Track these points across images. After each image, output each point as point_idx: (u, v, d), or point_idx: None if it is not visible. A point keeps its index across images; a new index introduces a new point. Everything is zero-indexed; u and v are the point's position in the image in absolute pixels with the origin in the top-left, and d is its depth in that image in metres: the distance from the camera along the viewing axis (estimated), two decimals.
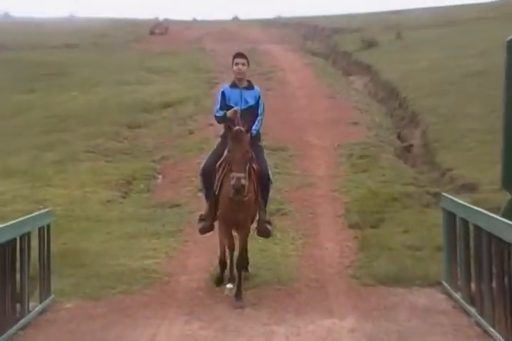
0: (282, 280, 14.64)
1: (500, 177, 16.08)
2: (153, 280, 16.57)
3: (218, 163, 13.14)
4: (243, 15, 64.38)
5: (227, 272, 14.21)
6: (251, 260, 14.71)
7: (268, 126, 14.44)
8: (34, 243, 14.17)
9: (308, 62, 39.94)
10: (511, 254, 11.37)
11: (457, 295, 14.17)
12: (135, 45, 47.79)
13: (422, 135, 27.56)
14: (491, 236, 12.39)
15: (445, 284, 15.16)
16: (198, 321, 13.42)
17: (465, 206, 14.46)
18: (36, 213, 15.02)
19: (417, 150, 26.24)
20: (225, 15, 68.43)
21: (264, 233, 13.67)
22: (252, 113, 13.00)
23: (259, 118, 13.25)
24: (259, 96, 13.44)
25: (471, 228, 13.48)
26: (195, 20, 63.21)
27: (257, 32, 44.57)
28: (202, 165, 13.91)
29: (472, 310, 13.11)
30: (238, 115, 12.67)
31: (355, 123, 30.35)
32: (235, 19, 60.33)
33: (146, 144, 29.28)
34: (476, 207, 13.97)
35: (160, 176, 25.77)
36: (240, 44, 40.25)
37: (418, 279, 15.93)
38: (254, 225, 13.99)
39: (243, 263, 13.03)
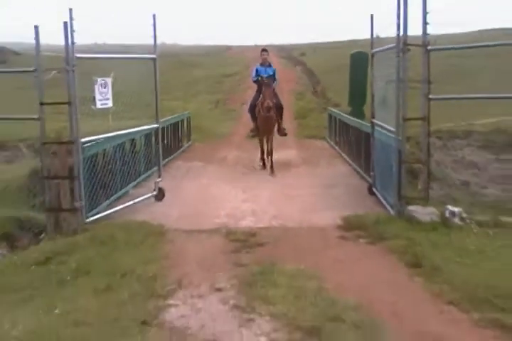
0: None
1: (347, 102, 17.08)
2: (226, 136, 16.80)
3: (257, 102, 10.97)
4: (259, 43, 61.02)
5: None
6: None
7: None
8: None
9: (280, 61, 38.17)
10: (349, 128, 11.82)
11: (332, 142, 14.84)
12: (226, 54, 47.15)
13: (321, 89, 26.44)
14: (342, 122, 12.97)
15: (327, 138, 15.79)
16: (241, 151, 13.79)
17: (335, 111, 15.00)
18: (185, 112, 15.73)
19: (320, 92, 25.76)
20: (250, 42, 64.96)
21: (283, 133, 11.46)
22: (271, 78, 10.62)
23: (276, 81, 10.94)
24: (275, 71, 11.19)
25: (337, 119, 13.98)
26: (242, 46, 60.56)
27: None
28: (248, 105, 11.85)
29: (336, 147, 13.91)
30: (265, 79, 10.57)
31: (297, 83, 28.92)
32: (256, 45, 58.13)
33: (224, 89, 29.13)
34: (338, 111, 14.52)
35: (228, 101, 25.07)
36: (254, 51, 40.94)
37: (318, 136, 16.04)
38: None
39: (272, 151, 10.97)
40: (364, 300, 4.10)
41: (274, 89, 11.09)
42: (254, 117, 11.48)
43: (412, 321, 3.79)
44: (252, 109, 11.48)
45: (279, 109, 11.32)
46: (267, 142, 11.23)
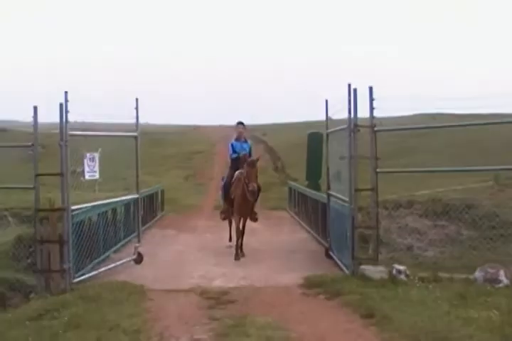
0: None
1: (305, 176, 17.63)
2: (196, 208, 17.01)
3: (231, 181, 9.29)
4: (223, 122, 59.41)
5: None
6: None
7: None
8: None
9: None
10: (307, 199, 12.09)
11: (292, 213, 15.28)
12: (192, 133, 47.54)
13: (281, 165, 27.48)
14: (300, 194, 13.43)
15: (288, 209, 16.07)
16: (210, 221, 13.61)
17: (295, 185, 15.50)
18: (157, 185, 15.84)
19: (280, 169, 26.61)
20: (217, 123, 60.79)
21: (254, 219, 9.34)
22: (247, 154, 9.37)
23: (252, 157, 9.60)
24: (251, 146, 9.70)
25: (297, 192, 14.49)
26: (208, 126, 59.95)
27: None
28: (222, 183, 9.88)
29: (296, 217, 14.22)
30: (249, 158, 8.95)
31: (259, 159, 28.97)
32: (221, 125, 57.12)
33: (193, 165, 29.17)
34: (299, 185, 14.97)
35: (197, 176, 25.05)
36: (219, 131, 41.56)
37: (280, 208, 16.21)
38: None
39: (243, 234, 9.11)
40: None
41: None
42: (227, 197, 9.54)
43: None
44: (227, 188, 9.55)
45: (258, 190, 9.24)
46: (240, 223, 9.22)
